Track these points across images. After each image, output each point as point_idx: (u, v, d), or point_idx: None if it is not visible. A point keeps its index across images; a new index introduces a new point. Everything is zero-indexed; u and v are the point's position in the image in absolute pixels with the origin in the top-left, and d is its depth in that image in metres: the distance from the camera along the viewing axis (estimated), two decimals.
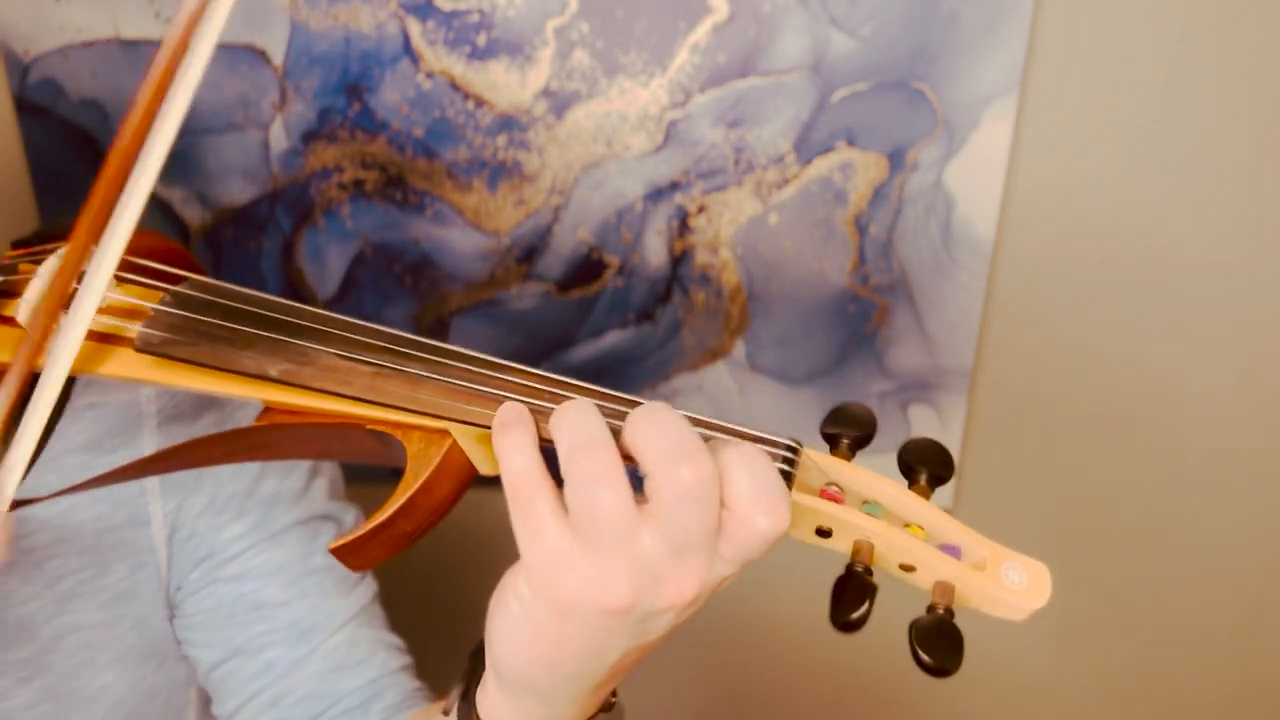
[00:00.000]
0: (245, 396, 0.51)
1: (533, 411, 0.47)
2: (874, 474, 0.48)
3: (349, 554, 0.48)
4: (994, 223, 1.05)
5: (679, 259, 1.06)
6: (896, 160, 1.03)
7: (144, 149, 0.49)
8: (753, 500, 0.43)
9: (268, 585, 0.69)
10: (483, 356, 0.50)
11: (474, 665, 0.54)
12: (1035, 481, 1.20)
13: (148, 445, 0.67)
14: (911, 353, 1.11)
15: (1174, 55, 1.00)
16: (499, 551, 1.15)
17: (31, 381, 0.49)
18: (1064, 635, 1.30)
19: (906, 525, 0.47)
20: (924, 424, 1.15)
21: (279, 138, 0.99)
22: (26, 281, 0.54)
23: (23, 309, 0.53)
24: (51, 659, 0.66)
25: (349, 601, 0.71)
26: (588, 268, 1.06)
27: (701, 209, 1.04)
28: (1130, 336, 1.13)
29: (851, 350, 1.11)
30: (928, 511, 0.48)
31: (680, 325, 1.09)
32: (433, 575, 1.19)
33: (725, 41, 0.97)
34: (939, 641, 0.44)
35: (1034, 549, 0.50)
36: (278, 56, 0.96)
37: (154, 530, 0.68)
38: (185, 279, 0.55)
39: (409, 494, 0.47)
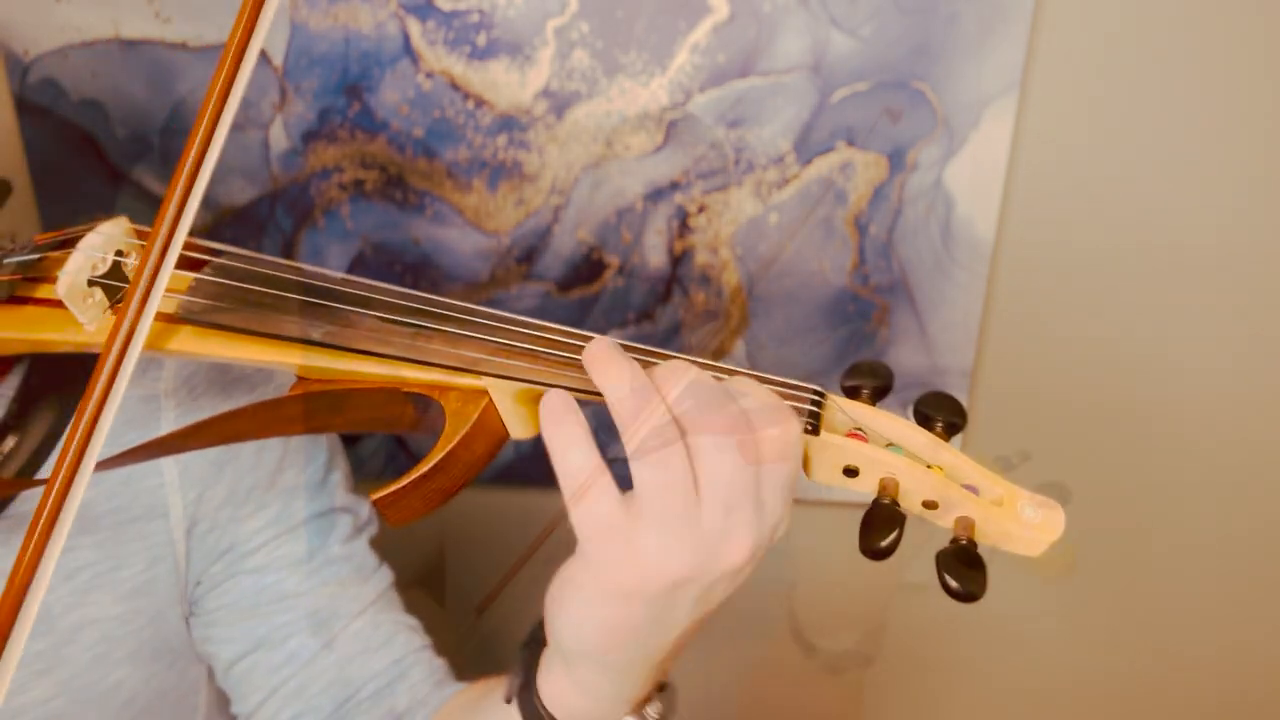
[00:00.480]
0: (285, 362, 0.52)
1: (568, 366, 0.49)
2: (896, 418, 0.51)
3: (390, 505, 0.50)
4: (994, 223, 1.05)
5: (679, 259, 1.06)
6: (896, 160, 1.02)
7: (212, 138, 0.49)
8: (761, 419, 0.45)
9: (289, 576, 0.70)
10: (518, 317, 0.51)
11: (530, 655, 0.55)
12: (1035, 481, 1.20)
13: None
14: (911, 353, 1.11)
15: (1174, 55, 1.00)
16: (490, 549, 1.15)
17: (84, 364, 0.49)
18: (1066, 634, 1.30)
19: (928, 466, 0.49)
20: None
21: (279, 138, 0.99)
22: (60, 263, 0.54)
23: (62, 282, 0.53)
24: (68, 652, 0.66)
25: (367, 588, 0.72)
26: (588, 268, 1.06)
27: (701, 209, 1.04)
28: (1130, 336, 1.13)
29: (852, 350, 1.11)
30: (947, 453, 0.50)
31: (680, 325, 1.09)
32: (428, 570, 1.19)
33: (725, 41, 0.97)
34: (963, 567, 0.47)
35: None
36: (278, 56, 0.96)
37: (173, 523, 0.68)
38: (224, 252, 0.55)
39: (449, 447, 0.49)
